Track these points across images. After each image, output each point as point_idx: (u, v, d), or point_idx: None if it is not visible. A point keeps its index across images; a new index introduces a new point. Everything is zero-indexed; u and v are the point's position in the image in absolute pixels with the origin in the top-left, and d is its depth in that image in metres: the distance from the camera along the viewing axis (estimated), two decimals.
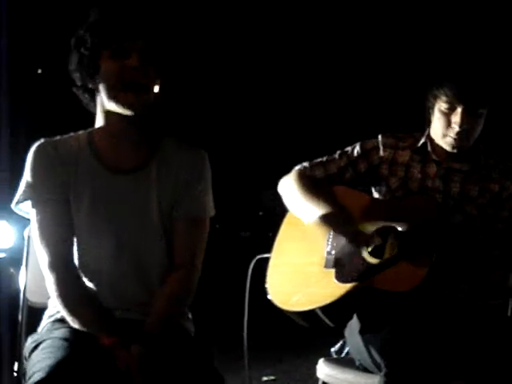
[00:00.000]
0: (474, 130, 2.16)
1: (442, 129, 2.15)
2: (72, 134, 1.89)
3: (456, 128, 2.11)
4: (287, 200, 2.31)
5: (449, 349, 1.81)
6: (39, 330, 1.86)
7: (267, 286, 2.23)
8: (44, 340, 1.70)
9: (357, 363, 2.13)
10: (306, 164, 2.33)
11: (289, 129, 5.05)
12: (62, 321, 1.77)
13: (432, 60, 2.44)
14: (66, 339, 1.65)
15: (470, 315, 1.99)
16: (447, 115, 2.13)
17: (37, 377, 1.52)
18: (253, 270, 2.58)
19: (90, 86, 1.78)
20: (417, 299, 1.93)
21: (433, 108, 2.19)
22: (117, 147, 1.83)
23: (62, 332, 1.70)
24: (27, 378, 1.61)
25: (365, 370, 2.08)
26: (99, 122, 1.84)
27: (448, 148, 2.17)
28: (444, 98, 2.12)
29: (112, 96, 1.74)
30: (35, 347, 1.71)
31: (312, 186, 2.25)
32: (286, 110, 5.07)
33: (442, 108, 2.13)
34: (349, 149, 2.32)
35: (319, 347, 2.39)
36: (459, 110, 2.09)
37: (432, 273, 1.92)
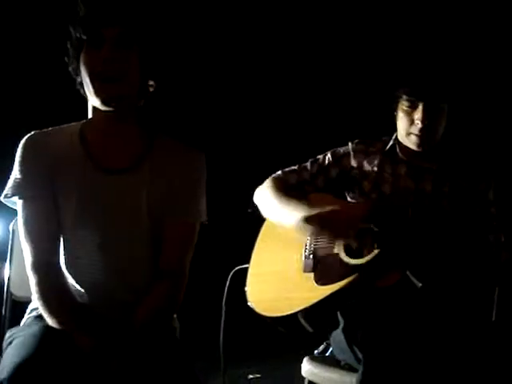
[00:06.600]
0: (437, 127, 2.19)
1: (406, 127, 2.19)
2: (65, 125, 1.85)
3: (419, 124, 2.15)
4: (264, 208, 2.32)
5: (429, 347, 1.81)
6: (22, 323, 1.83)
7: (247, 295, 2.24)
8: (18, 336, 1.67)
9: (342, 363, 2.13)
10: (279, 172, 2.37)
11: (278, 127, 5.04)
12: (42, 317, 1.73)
13: (394, 64, 2.47)
14: (36, 336, 1.60)
15: (453, 318, 1.99)
16: (409, 114, 2.17)
17: (2, 374, 1.48)
18: (235, 276, 2.59)
19: (80, 80, 1.76)
20: (399, 295, 1.94)
21: (396, 110, 2.23)
22: (108, 144, 1.79)
23: (35, 329, 1.66)
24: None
25: (350, 369, 2.07)
26: (90, 115, 1.82)
27: (413, 147, 2.21)
28: (405, 97, 2.17)
29: (88, 90, 1.71)
30: (10, 343, 1.68)
31: (287, 191, 2.27)
32: (275, 109, 5.07)
33: (404, 107, 2.18)
34: (320, 157, 2.37)
35: (306, 345, 2.39)
36: (420, 106, 2.14)
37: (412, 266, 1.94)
